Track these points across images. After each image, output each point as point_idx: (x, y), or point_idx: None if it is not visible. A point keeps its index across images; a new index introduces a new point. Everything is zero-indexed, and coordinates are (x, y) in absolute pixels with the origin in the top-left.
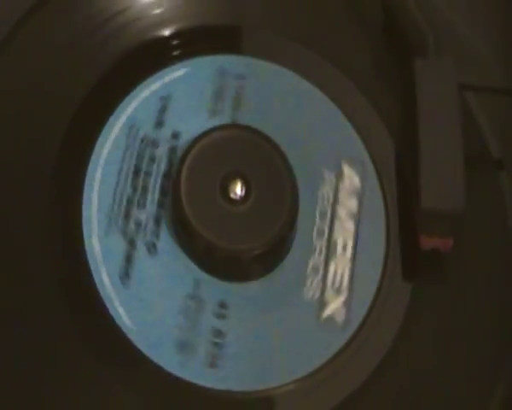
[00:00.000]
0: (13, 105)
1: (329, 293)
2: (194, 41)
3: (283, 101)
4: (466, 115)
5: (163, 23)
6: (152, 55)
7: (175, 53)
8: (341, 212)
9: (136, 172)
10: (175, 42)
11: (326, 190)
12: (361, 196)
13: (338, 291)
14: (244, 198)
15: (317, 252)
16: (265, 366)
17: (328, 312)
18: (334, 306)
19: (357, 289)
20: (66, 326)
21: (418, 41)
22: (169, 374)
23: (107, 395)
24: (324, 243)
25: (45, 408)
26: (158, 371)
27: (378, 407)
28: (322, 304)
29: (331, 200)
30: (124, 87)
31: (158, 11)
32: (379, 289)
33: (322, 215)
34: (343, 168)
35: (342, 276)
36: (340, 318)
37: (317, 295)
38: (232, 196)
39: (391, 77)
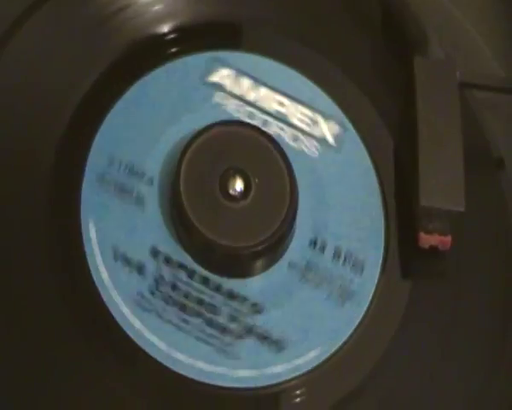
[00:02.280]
0: (10, 103)
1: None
2: (195, 37)
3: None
4: (466, 114)
5: (163, 20)
6: (152, 52)
7: (172, 50)
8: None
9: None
10: (172, 39)
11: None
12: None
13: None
14: (243, 195)
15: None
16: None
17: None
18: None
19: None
20: (63, 320)
21: (418, 39)
22: (165, 367)
23: (104, 391)
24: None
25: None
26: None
27: (375, 408)
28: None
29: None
30: (123, 83)
31: (156, 8)
32: (378, 289)
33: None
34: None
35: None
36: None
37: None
38: (232, 192)
39: (391, 74)
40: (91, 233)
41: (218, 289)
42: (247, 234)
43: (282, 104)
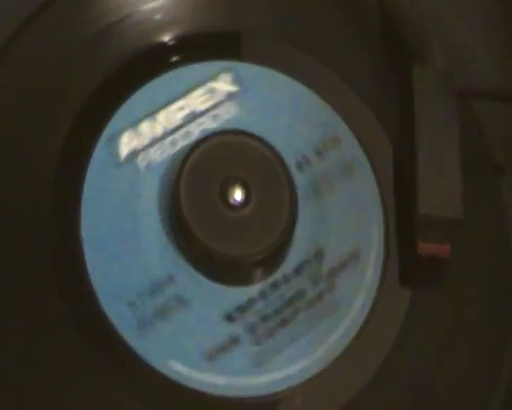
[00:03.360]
0: (10, 111)
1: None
2: (193, 47)
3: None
4: (466, 121)
5: (164, 28)
6: (153, 61)
7: (174, 59)
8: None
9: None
10: (174, 48)
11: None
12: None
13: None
14: (244, 204)
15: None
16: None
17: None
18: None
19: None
20: (62, 323)
21: (417, 48)
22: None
23: (102, 394)
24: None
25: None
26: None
27: None
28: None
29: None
30: (125, 91)
31: (157, 17)
32: (377, 297)
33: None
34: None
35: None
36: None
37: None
38: (232, 201)
39: (390, 83)
40: (175, 366)
41: (286, 279)
42: (248, 242)
43: (181, 108)
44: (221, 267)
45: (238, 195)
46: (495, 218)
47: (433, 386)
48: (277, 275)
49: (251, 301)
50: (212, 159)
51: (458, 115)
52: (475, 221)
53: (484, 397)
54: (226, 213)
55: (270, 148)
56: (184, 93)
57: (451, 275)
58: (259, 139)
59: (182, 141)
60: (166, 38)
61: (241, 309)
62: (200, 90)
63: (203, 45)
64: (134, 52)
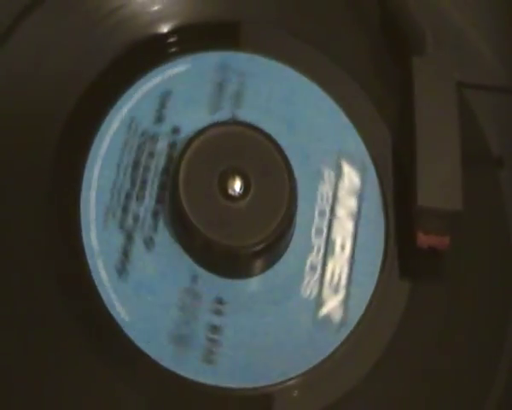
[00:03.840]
0: (11, 100)
1: (327, 292)
2: (195, 37)
3: (284, 98)
4: (465, 113)
5: (163, 19)
6: (152, 51)
7: (175, 49)
8: (340, 211)
9: (135, 166)
10: (175, 38)
11: (325, 189)
12: (360, 196)
13: (335, 290)
14: (242, 194)
15: (316, 251)
16: (262, 363)
17: (324, 311)
18: (331, 305)
19: (354, 289)
20: (62, 320)
21: (416, 38)
22: (164, 368)
23: (103, 390)
24: (323, 241)
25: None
26: (153, 365)
27: (373, 407)
28: (319, 303)
29: (330, 199)
30: (124, 82)
31: (157, 7)
32: (376, 289)
33: (321, 214)
34: (343, 167)
35: (340, 275)
36: (336, 317)
37: (315, 293)
38: (231, 192)
39: (390, 74)
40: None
41: None
42: (247, 233)
43: None
44: (219, 258)
45: (237, 185)
46: (494, 210)
47: (432, 378)
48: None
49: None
50: (211, 150)
51: (457, 107)
52: (475, 213)
53: (482, 389)
54: (225, 204)
55: (270, 139)
56: None
57: (451, 267)
58: (258, 129)
59: None
60: (165, 29)
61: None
62: None
63: (202, 36)
64: (132, 43)
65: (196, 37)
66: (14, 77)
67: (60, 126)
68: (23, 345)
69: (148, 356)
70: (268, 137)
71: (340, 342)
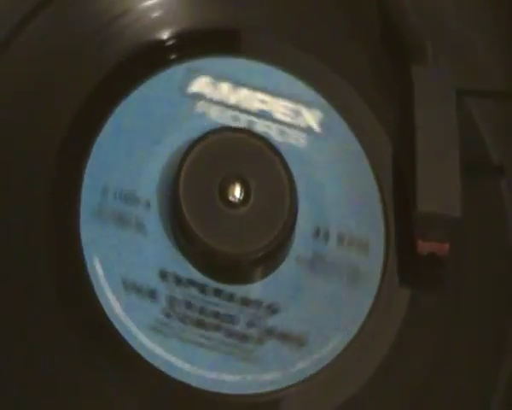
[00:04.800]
0: (14, 103)
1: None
2: (193, 44)
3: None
4: (466, 120)
5: (163, 25)
6: (151, 58)
7: (173, 56)
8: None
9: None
10: (173, 44)
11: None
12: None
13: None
14: (243, 201)
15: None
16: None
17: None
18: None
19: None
20: (78, 350)
21: (416, 46)
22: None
23: (93, 383)
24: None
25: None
26: (132, 352)
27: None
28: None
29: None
30: (124, 88)
31: (157, 14)
32: (378, 295)
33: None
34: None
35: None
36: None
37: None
38: (231, 199)
39: (389, 81)
40: (98, 269)
41: (231, 298)
42: (248, 240)
43: (263, 102)
44: (219, 265)
45: (237, 192)
46: (494, 217)
47: (433, 385)
48: (226, 288)
49: (189, 283)
50: (212, 156)
51: (457, 114)
52: (474, 220)
53: (483, 396)
54: (225, 211)
55: (270, 145)
56: (273, 93)
57: (451, 274)
58: (259, 137)
59: (243, 123)
60: (165, 35)
61: (178, 280)
62: (289, 104)
63: (202, 42)
64: (133, 49)
65: (195, 43)
66: (14, 82)
67: (62, 128)
68: (20, 345)
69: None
70: (267, 143)
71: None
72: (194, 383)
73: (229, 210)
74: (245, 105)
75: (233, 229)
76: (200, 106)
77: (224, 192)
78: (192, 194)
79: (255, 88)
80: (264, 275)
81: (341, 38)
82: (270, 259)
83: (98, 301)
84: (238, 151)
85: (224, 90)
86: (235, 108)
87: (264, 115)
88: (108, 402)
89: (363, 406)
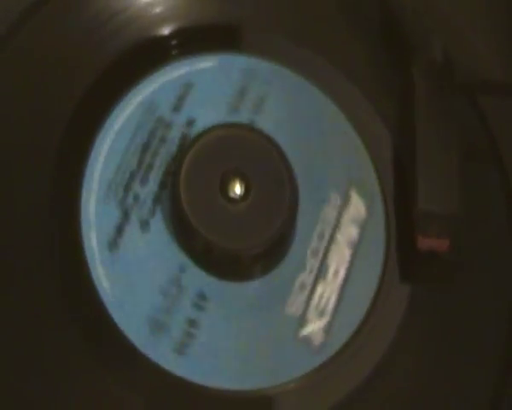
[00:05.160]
0: (13, 100)
1: (311, 314)
2: (225, 38)
3: (301, 113)
4: (466, 117)
5: (163, 22)
6: (180, 43)
7: (173, 52)
8: (340, 238)
9: (145, 149)
10: (173, 42)
11: (329, 212)
12: (363, 226)
13: (320, 314)
14: (243, 197)
15: (308, 271)
16: (232, 365)
17: (305, 331)
18: (314, 327)
19: (341, 315)
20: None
21: (417, 43)
22: (136, 349)
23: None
24: (317, 263)
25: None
26: (127, 344)
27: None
28: (301, 322)
29: (332, 223)
30: (146, 68)
31: (157, 10)
32: (377, 290)
33: (321, 236)
34: (351, 194)
35: (328, 300)
36: (317, 340)
37: (299, 312)
38: (232, 194)
39: (390, 78)
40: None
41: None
42: (248, 236)
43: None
44: (219, 260)
45: (238, 188)
46: (496, 213)
47: (433, 383)
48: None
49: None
50: (212, 152)
51: (458, 110)
52: (475, 216)
53: (483, 396)
54: (226, 207)
55: (271, 141)
56: None
57: (451, 269)
58: (260, 132)
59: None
60: (166, 31)
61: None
62: None
63: (203, 38)
64: (134, 45)
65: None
66: (15, 77)
67: (75, 100)
68: (20, 343)
69: (122, 333)
70: (269, 139)
71: (315, 366)
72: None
73: (229, 206)
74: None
75: (232, 224)
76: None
77: (224, 188)
78: (192, 189)
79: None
80: (265, 271)
81: (342, 34)
82: (270, 255)
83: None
84: (240, 147)
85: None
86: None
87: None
88: None
89: (363, 403)
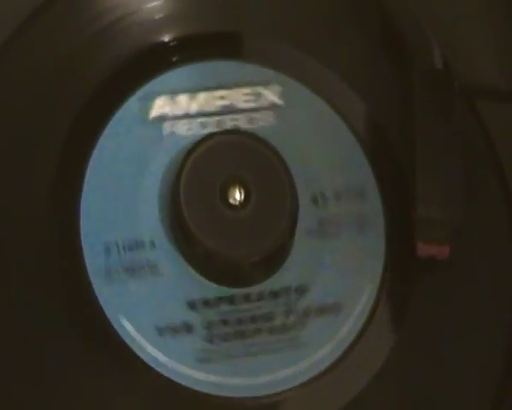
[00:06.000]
0: (13, 106)
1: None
2: (195, 47)
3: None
4: (466, 121)
5: (163, 28)
6: (150, 61)
7: (174, 59)
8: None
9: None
10: (173, 48)
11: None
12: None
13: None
14: (244, 204)
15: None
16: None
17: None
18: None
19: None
20: (67, 335)
21: (417, 48)
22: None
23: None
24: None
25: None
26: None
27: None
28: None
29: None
30: (121, 95)
31: (159, 16)
32: (378, 297)
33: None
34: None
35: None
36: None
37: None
38: (232, 201)
39: (391, 82)
40: (126, 326)
41: (260, 297)
42: (247, 243)
43: (223, 98)
44: (220, 267)
45: (238, 195)
46: (496, 219)
47: (433, 389)
48: (253, 289)
49: (218, 301)
50: (213, 159)
51: (458, 115)
52: (476, 223)
53: (484, 399)
54: (226, 214)
55: (271, 148)
56: (230, 86)
57: (452, 276)
58: (260, 140)
59: (212, 127)
60: (167, 37)
61: (207, 303)
62: (246, 90)
63: (205, 45)
64: (135, 51)
65: (197, 46)
66: (17, 82)
67: (59, 139)
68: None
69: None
70: (268, 145)
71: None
72: (255, 394)
73: (229, 212)
74: (207, 108)
75: (233, 231)
76: (167, 126)
77: (224, 195)
78: (193, 197)
79: (210, 88)
80: (267, 277)
81: (342, 38)
82: (270, 261)
83: (139, 357)
84: (239, 154)
85: (183, 102)
86: (200, 114)
87: (228, 110)
88: None
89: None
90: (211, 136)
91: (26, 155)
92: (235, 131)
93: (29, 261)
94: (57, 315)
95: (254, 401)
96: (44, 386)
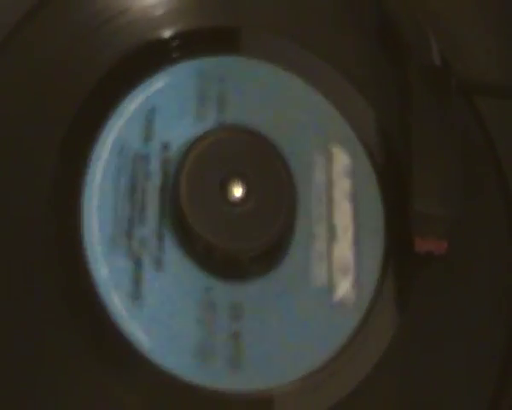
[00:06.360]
0: (11, 104)
1: (337, 276)
2: (173, 46)
3: (268, 96)
4: (464, 117)
5: (162, 24)
6: (149, 57)
7: (174, 55)
8: (337, 194)
9: (133, 190)
10: (173, 44)
11: (318, 175)
12: (354, 175)
13: (345, 273)
14: (243, 199)
15: (319, 238)
16: (283, 361)
17: (338, 295)
18: (344, 288)
19: (363, 269)
20: (81, 354)
21: (415, 44)
22: (191, 384)
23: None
24: (324, 228)
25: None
26: (179, 383)
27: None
28: (331, 288)
29: (325, 184)
30: (107, 107)
31: (157, 13)
32: (385, 266)
33: (319, 201)
34: (332, 150)
35: (347, 257)
36: (350, 299)
37: (325, 280)
38: (232, 197)
39: (388, 79)
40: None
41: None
42: (248, 237)
43: None
44: (220, 262)
45: (238, 191)
46: (494, 215)
47: (432, 383)
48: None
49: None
50: (213, 155)
51: (456, 111)
52: (474, 218)
53: (483, 398)
54: (226, 209)
55: (271, 144)
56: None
57: (450, 272)
58: (260, 135)
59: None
60: (166, 34)
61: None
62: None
63: (203, 40)
64: (133, 47)
65: (174, 46)
66: (15, 80)
67: (50, 157)
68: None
69: (173, 376)
70: (267, 142)
71: (356, 324)
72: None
73: (229, 208)
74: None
75: (233, 227)
76: None
77: (224, 190)
78: (193, 192)
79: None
80: (265, 272)
81: (339, 34)
82: (274, 252)
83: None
84: (239, 150)
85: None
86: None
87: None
88: None
89: (361, 404)
90: (209, 133)
91: (25, 154)
92: (235, 128)
93: (29, 261)
94: (58, 315)
95: (253, 395)
96: (44, 385)
